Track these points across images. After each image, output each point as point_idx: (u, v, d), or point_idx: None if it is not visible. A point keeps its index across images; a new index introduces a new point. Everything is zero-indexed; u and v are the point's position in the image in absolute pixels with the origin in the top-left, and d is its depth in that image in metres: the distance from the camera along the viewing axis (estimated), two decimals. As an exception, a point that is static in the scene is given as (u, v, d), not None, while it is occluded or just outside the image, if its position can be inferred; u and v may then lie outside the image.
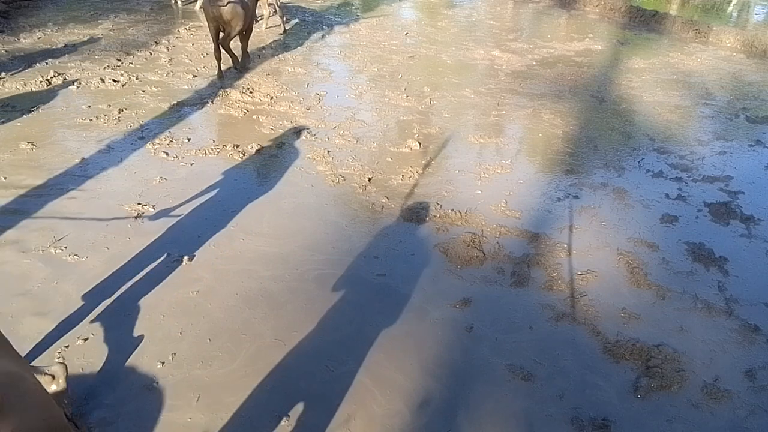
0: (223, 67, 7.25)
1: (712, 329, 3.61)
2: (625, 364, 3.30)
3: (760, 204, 5.12)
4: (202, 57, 7.93)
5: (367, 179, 5.02)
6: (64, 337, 3.18)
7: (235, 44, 7.58)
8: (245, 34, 7.54)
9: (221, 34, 6.97)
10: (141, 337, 3.22)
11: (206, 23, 7.12)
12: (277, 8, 9.34)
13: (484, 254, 4.14)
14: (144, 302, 3.47)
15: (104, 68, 7.18)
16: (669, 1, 14.28)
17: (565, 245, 4.32)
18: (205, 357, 3.14)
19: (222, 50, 7.05)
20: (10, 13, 8.96)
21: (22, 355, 3.06)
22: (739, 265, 4.26)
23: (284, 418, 2.83)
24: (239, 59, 7.57)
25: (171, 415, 2.80)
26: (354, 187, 4.90)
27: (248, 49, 7.85)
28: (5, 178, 4.66)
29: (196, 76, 7.20)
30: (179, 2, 10.66)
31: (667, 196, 5.16)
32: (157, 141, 5.46)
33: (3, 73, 6.71)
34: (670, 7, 13.63)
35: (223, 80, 7.13)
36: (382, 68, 8.07)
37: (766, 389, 3.19)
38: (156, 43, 8.37)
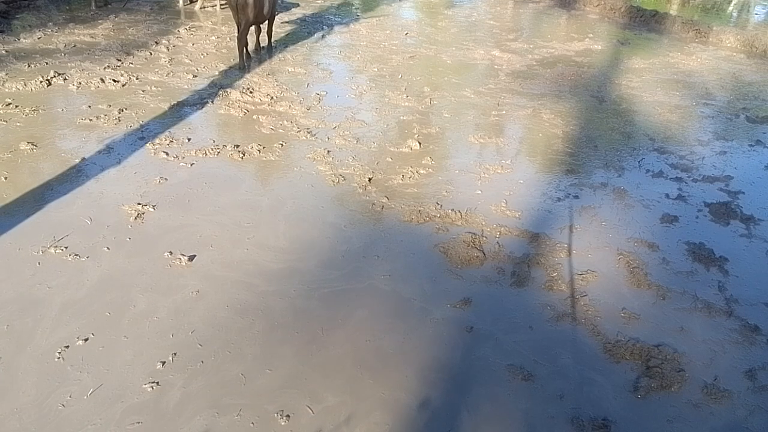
0: (251, 52, 8.06)
1: (712, 329, 3.61)
2: (625, 364, 3.30)
3: (760, 204, 5.12)
4: (202, 57, 7.93)
5: (367, 179, 5.01)
6: (64, 337, 3.18)
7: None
8: (269, 22, 8.29)
9: (243, 23, 7.49)
10: (135, 339, 3.22)
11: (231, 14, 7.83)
12: None
13: (484, 254, 4.14)
14: (143, 303, 3.48)
15: (104, 68, 7.18)
16: (669, 1, 14.27)
17: (565, 245, 4.32)
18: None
19: (247, 37, 7.61)
20: (10, 13, 8.95)
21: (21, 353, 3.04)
22: (739, 265, 4.26)
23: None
24: (260, 46, 8.46)
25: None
26: (354, 187, 4.90)
27: (248, 49, 7.89)
28: (5, 178, 4.66)
29: (196, 76, 7.20)
30: (180, 2, 10.64)
31: (667, 196, 5.16)
32: (157, 141, 5.46)
33: (3, 73, 6.71)
34: (670, 7, 13.62)
35: (247, 70, 7.61)
36: (382, 68, 8.07)
37: (766, 389, 3.19)
38: (156, 43, 8.37)
